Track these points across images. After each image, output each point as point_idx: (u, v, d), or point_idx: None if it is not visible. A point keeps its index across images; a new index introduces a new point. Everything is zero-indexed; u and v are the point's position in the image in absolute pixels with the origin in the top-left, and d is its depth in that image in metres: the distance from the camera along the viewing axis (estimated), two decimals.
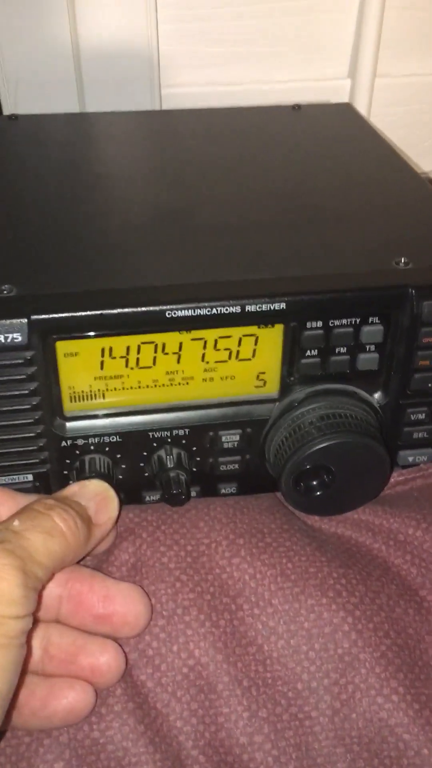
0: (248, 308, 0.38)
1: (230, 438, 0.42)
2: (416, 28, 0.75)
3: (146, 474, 0.42)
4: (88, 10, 0.68)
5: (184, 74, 0.74)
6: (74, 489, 0.38)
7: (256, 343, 0.40)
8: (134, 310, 0.37)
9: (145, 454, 0.41)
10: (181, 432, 0.41)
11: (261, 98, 0.74)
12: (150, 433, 0.41)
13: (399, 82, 0.78)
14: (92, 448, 0.40)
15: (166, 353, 0.39)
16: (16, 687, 0.30)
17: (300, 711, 0.37)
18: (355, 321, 0.40)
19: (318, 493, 0.42)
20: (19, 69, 0.70)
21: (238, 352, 0.40)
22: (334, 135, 0.60)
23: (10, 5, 0.66)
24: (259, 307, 0.38)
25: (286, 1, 0.72)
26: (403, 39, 0.76)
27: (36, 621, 0.35)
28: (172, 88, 0.74)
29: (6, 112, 0.72)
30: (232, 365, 0.40)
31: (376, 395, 0.43)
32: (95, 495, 0.37)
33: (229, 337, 0.39)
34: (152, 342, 0.38)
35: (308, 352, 0.40)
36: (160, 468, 0.41)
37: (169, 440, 0.41)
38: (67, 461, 0.41)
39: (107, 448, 0.41)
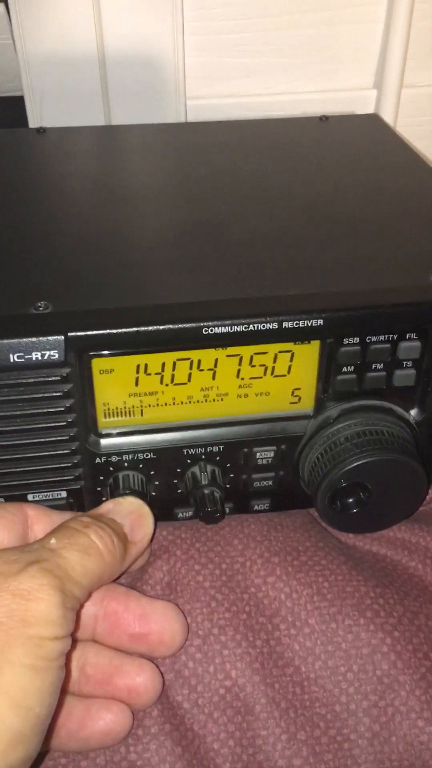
0: (285, 325, 0.37)
1: (264, 454, 0.41)
2: None
3: (180, 491, 0.42)
4: (114, 21, 0.68)
5: (209, 86, 0.74)
6: (109, 506, 0.37)
7: (291, 360, 0.39)
8: (171, 327, 0.36)
9: (179, 470, 0.41)
10: (215, 448, 0.41)
11: (286, 109, 0.74)
12: (184, 450, 0.40)
13: (426, 92, 0.77)
14: (126, 464, 0.40)
15: (202, 369, 0.39)
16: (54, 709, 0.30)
17: (339, 734, 0.36)
18: (392, 337, 0.39)
19: (354, 511, 0.41)
20: (45, 81, 0.70)
21: (273, 368, 0.39)
22: (363, 146, 0.60)
23: (36, 18, 0.66)
24: (296, 324, 0.37)
25: (312, 12, 0.72)
26: (429, 49, 0.75)
27: (74, 641, 0.35)
28: (197, 100, 0.74)
29: (32, 124, 0.72)
30: (268, 381, 0.40)
31: (413, 411, 0.42)
32: (130, 512, 0.37)
33: (264, 353, 0.39)
34: (188, 358, 0.38)
35: (344, 369, 0.40)
36: (194, 485, 0.41)
37: (204, 457, 0.41)
38: (101, 478, 0.40)
39: (141, 465, 0.40)
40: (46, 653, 0.28)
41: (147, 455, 0.40)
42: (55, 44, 0.68)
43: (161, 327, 0.37)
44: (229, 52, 0.73)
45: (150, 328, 0.36)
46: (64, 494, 0.40)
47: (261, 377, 0.40)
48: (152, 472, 0.41)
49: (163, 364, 0.38)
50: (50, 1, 0.66)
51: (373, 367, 0.40)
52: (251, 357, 0.39)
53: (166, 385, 0.39)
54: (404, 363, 0.40)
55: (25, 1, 0.66)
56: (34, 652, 0.28)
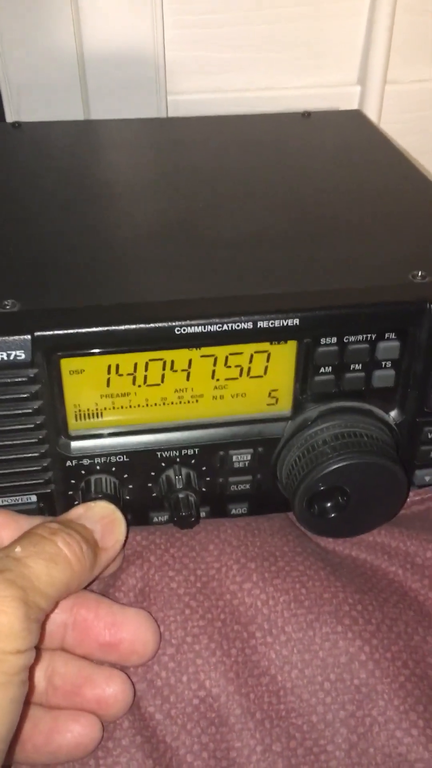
0: (260, 324, 0.36)
1: (241, 457, 0.40)
2: (427, 33, 0.74)
3: (154, 494, 0.41)
4: (93, 15, 0.67)
5: (190, 81, 0.73)
6: (79, 511, 0.36)
7: (268, 360, 0.38)
8: (142, 326, 0.35)
9: (153, 474, 0.40)
10: (190, 451, 0.40)
11: (269, 105, 0.73)
12: (158, 453, 0.39)
13: (409, 88, 0.76)
14: (98, 468, 0.39)
15: (175, 370, 0.38)
16: (18, 722, 0.29)
17: (315, 745, 0.35)
18: (371, 337, 0.38)
19: (332, 515, 0.40)
20: (22, 75, 0.69)
21: (249, 369, 0.38)
22: (345, 143, 0.59)
23: (13, 10, 0.65)
24: (272, 323, 0.36)
25: (295, 7, 0.71)
26: (413, 45, 0.74)
27: (41, 651, 0.33)
28: (178, 95, 0.73)
29: (9, 119, 0.70)
30: (244, 382, 0.39)
31: (392, 413, 0.41)
32: (102, 518, 0.36)
33: (240, 353, 0.38)
34: (161, 359, 0.37)
35: (322, 369, 0.39)
36: (168, 489, 0.40)
37: (178, 460, 0.40)
38: (72, 481, 0.39)
39: (114, 468, 0.39)
40: (7, 668, 0.27)
41: (120, 458, 0.39)
42: (33, 37, 0.67)
43: (133, 326, 0.35)
44: (211, 46, 0.72)
45: (121, 327, 0.35)
46: (34, 498, 0.39)
47: (237, 378, 0.39)
48: (125, 476, 0.40)
49: (136, 365, 0.37)
50: None
51: (352, 367, 0.39)
52: (226, 357, 0.38)
53: (139, 386, 0.38)
54: (383, 363, 0.39)
55: None
56: None
